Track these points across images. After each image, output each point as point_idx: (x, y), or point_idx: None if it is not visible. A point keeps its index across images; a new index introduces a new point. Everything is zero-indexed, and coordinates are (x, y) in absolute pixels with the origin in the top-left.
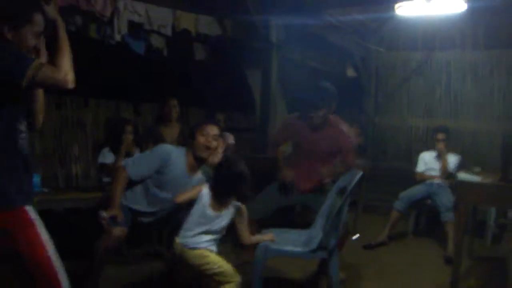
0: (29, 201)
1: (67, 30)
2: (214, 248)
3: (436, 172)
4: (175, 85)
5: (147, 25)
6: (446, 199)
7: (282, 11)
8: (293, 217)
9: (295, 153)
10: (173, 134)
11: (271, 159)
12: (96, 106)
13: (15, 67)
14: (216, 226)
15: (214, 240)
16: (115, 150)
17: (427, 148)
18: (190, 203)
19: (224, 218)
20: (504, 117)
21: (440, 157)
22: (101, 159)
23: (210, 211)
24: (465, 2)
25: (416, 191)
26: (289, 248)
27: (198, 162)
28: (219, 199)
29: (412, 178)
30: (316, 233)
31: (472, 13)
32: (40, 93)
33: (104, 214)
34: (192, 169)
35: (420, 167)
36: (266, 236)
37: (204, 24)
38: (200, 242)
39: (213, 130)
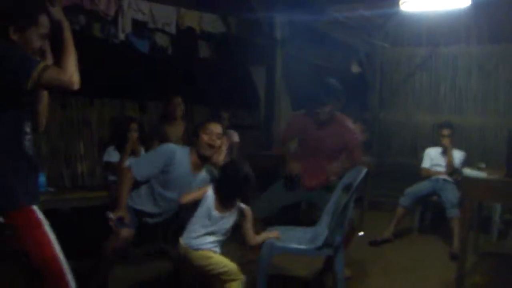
0: (35, 201)
1: (71, 29)
2: (218, 249)
3: (441, 168)
4: (179, 83)
5: (151, 24)
6: (451, 195)
7: (286, 8)
8: (298, 214)
9: (301, 150)
10: (178, 132)
11: (276, 157)
12: (101, 105)
13: (21, 68)
14: (221, 228)
15: (218, 241)
16: (120, 149)
17: (433, 144)
18: (195, 203)
19: (229, 219)
20: (510, 111)
21: (446, 152)
22: (106, 158)
23: (215, 212)
24: None
25: (421, 187)
26: (294, 245)
27: (202, 160)
28: (224, 201)
29: (418, 174)
30: (321, 230)
31: (477, 8)
32: (44, 94)
33: (111, 215)
34: (196, 168)
35: (426, 163)
36: (271, 234)
37: (208, 22)
38: (204, 243)
39: (216, 128)
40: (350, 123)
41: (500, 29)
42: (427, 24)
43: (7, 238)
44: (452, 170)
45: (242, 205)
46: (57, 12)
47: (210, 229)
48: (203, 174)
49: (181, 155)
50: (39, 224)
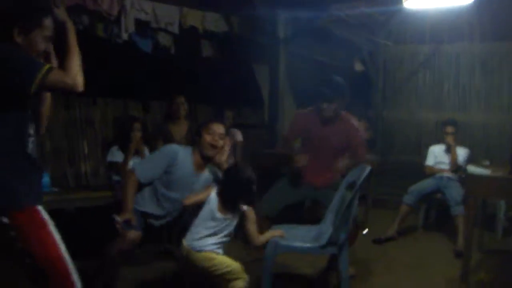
0: (39, 201)
1: (74, 30)
2: (220, 250)
3: (445, 166)
4: (182, 83)
5: (154, 23)
6: (455, 192)
7: (289, 6)
8: (302, 213)
9: (305, 149)
10: (182, 131)
11: (280, 155)
12: (104, 105)
13: (25, 71)
14: (224, 229)
15: (221, 243)
16: (124, 148)
17: (437, 141)
18: (198, 205)
19: (232, 221)
20: None
21: (450, 150)
22: (110, 158)
23: (218, 214)
24: None
25: (425, 184)
26: (298, 244)
27: (205, 160)
28: (227, 203)
29: (422, 171)
30: (326, 228)
31: (479, 5)
32: (47, 96)
33: (118, 218)
34: (199, 168)
35: (430, 161)
36: (276, 232)
37: (210, 21)
38: (207, 244)
39: (219, 128)
40: (354, 121)
41: (503, 27)
42: (430, 21)
43: (12, 239)
44: (456, 168)
45: (244, 207)
46: (61, 13)
47: (213, 231)
48: (206, 174)
49: (184, 155)
50: (43, 224)
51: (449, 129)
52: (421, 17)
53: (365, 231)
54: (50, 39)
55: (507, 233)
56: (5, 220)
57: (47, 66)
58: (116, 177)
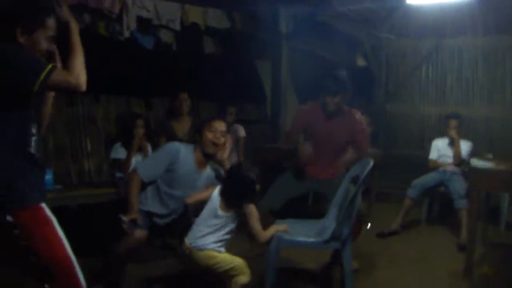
0: (43, 198)
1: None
2: (222, 248)
3: (449, 159)
4: (185, 79)
5: (156, 20)
6: (459, 186)
7: (291, 2)
8: (306, 207)
9: (309, 143)
10: (185, 128)
11: (283, 150)
12: (107, 102)
13: (28, 70)
14: (225, 227)
15: (223, 240)
16: (127, 145)
17: (440, 135)
18: (201, 203)
19: (234, 220)
20: None
21: (453, 144)
22: (113, 155)
23: (220, 212)
24: None
25: (429, 178)
26: (302, 238)
27: (206, 158)
28: (229, 202)
29: (425, 165)
30: (329, 223)
31: None
32: (50, 96)
33: (124, 218)
34: (201, 165)
35: (433, 154)
36: (280, 227)
37: (212, 17)
38: (209, 243)
39: (220, 126)
40: (358, 115)
41: (506, 20)
42: (432, 15)
43: (16, 238)
44: (459, 161)
45: (247, 205)
46: (65, 12)
47: (214, 229)
48: (207, 171)
49: (186, 153)
50: (47, 222)
51: (453, 122)
52: (423, 11)
53: (368, 226)
54: (53, 39)
55: (510, 226)
56: (9, 218)
57: (50, 66)
58: (119, 174)
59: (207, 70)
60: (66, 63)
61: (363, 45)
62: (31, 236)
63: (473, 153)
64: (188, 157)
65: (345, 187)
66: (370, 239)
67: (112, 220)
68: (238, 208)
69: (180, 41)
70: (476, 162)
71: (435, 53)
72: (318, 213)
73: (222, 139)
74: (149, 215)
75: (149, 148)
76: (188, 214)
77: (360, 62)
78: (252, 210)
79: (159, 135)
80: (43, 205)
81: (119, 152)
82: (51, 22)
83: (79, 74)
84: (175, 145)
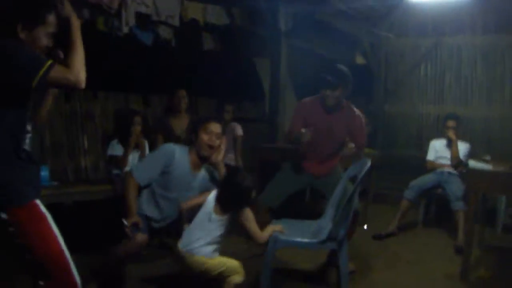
0: (38, 195)
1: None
2: (215, 254)
3: (446, 160)
4: (183, 76)
5: (155, 16)
6: (456, 187)
7: None
8: (303, 207)
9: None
10: (183, 125)
11: (280, 149)
12: (104, 98)
13: (27, 66)
14: (217, 231)
15: (214, 245)
16: (124, 142)
17: (438, 135)
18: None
19: (226, 223)
20: None
21: (451, 145)
22: (110, 151)
23: (214, 216)
24: None
25: (426, 179)
26: (298, 238)
27: (201, 160)
28: (224, 208)
29: (423, 166)
30: (325, 223)
31: None
32: (51, 94)
33: (126, 222)
34: (196, 167)
35: (431, 155)
36: (276, 227)
37: (212, 14)
38: (200, 246)
39: (216, 128)
40: (357, 110)
41: (505, 19)
42: (431, 14)
43: (11, 235)
44: (457, 163)
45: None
46: (67, 8)
47: (207, 232)
48: (202, 173)
49: (181, 154)
50: (42, 218)
51: (451, 123)
52: (422, 9)
53: (365, 227)
54: (54, 35)
55: (506, 229)
56: (4, 216)
57: (49, 62)
58: (116, 171)
59: (205, 67)
60: (66, 60)
61: (362, 43)
62: (26, 234)
63: (471, 154)
64: (183, 159)
65: (342, 186)
66: (366, 241)
67: (108, 217)
68: (233, 213)
69: (179, 38)
70: (474, 164)
71: (434, 51)
72: (315, 211)
73: (218, 142)
74: (146, 219)
75: (146, 145)
76: (183, 220)
77: (359, 60)
78: (248, 215)
79: (157, 132)
80: (38, 201)
81: (116, 149)
82: (51, 18)
83: (79, 71)
84: (170, 146)
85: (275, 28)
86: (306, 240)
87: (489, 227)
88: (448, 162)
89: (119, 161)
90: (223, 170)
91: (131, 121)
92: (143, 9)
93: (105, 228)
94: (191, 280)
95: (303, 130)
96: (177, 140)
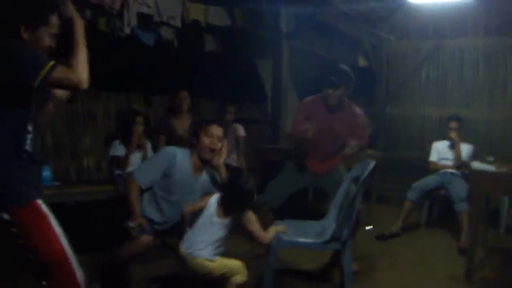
0: (40, 195)
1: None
2: (215, 257)
3: (449, 162)
4: (185, 77)
5: (157, 17)
6: (459, 188)
7: (292, 0)
8: (305, 207)
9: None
10: (184, 125)
11: (282, 150)
12: (106, 99)
13: (30, 66)
14: (219, 233)
15: (215, 247)
16: (126, 142)
17: (440, 137)
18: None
19: (227, 226)
20: None
21: (454, 146)
22: (112, 152)
23: (216, 219)
24: None
25: (429, 181)
26: (301, 239)
27: (203, 162)
28: (226, 211)
29: (426, 167)
30: (329, 224)
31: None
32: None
33: (131, 224)
34: (198, 170)
35: (433, 157)
36: (279, 228)
37: (213, 15)
38: (201, 249)
39: (217, 131)
40: (358, 109)
41: (507, 21)
42: (433, 16)
43: (13, 236)
44: (460, 164)
45: (244, 212)
46: (70, 8)
47: (209, 235)
48: (204, 176)
49: (182, 157)
50: (44, 218)
51: (453, 124)
52: (424, 12)
53: (369, 227)
54: (57, 36)
55: (509, 230)
56: (6, 216)
57: (52, 62)
58: (118, 171)
59: (207, 67)
60: (69, 60)
61: (364, 45)
62: (28, 234)
63: (474, 156)
64: (185, 162)
65: (346, 187)
66: (370, 241)
67: (110, 217)
68: (235, 216)
69: (181, 39)
70: (477, 165)
71: (435, 53)
72: (317, 212)
73: (219, 144)
74: (149, 221)
75: (148, 145)
76: (185, 224)
77: (361, 62)
78: (250, 217)
79: (159, 132)
80: (39, 201)
81: (118, 149)
82: (54, 19)
83: (82, 71)
84: (172, 149)
85: (277, 30)
86: (309, 240)
87: (492, 228)
88: (451, 163)
89: (121, 162)
90: (224, 172)
91: (133, 121)
92: (145, 10)
93: (107, 229)
94: (194, 280)
95: (307, 126)
96: (179, 140)
